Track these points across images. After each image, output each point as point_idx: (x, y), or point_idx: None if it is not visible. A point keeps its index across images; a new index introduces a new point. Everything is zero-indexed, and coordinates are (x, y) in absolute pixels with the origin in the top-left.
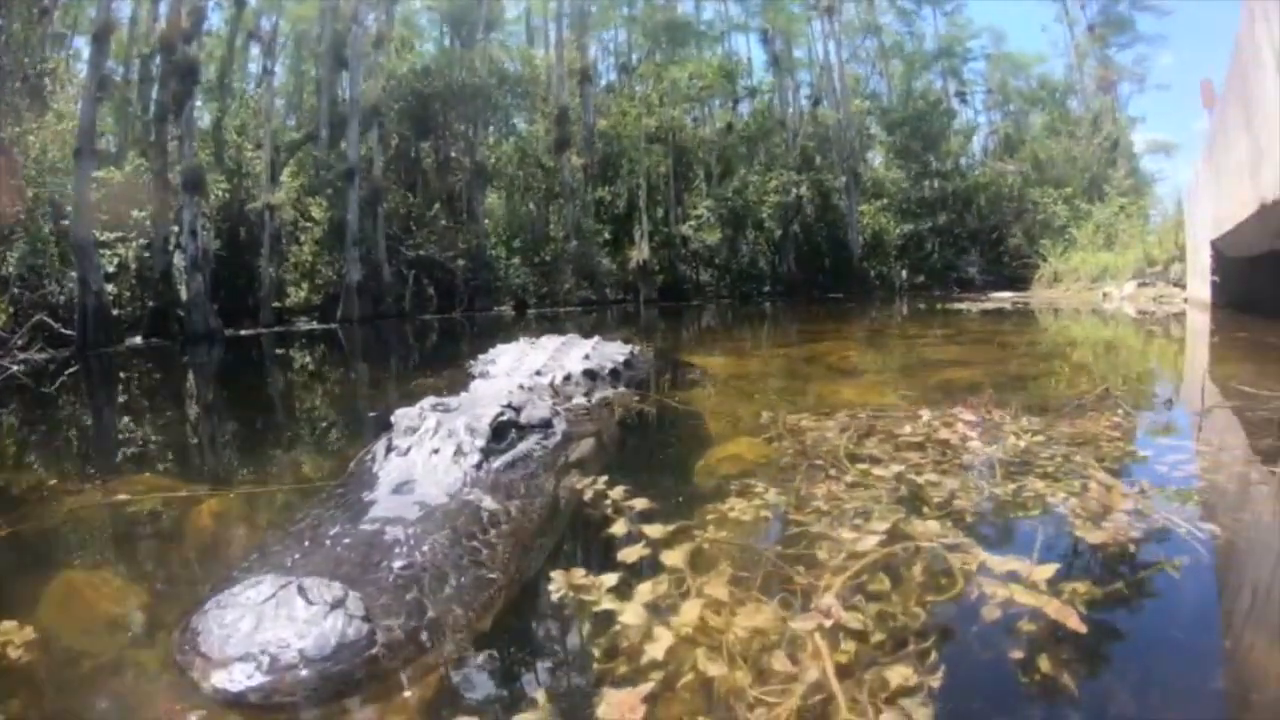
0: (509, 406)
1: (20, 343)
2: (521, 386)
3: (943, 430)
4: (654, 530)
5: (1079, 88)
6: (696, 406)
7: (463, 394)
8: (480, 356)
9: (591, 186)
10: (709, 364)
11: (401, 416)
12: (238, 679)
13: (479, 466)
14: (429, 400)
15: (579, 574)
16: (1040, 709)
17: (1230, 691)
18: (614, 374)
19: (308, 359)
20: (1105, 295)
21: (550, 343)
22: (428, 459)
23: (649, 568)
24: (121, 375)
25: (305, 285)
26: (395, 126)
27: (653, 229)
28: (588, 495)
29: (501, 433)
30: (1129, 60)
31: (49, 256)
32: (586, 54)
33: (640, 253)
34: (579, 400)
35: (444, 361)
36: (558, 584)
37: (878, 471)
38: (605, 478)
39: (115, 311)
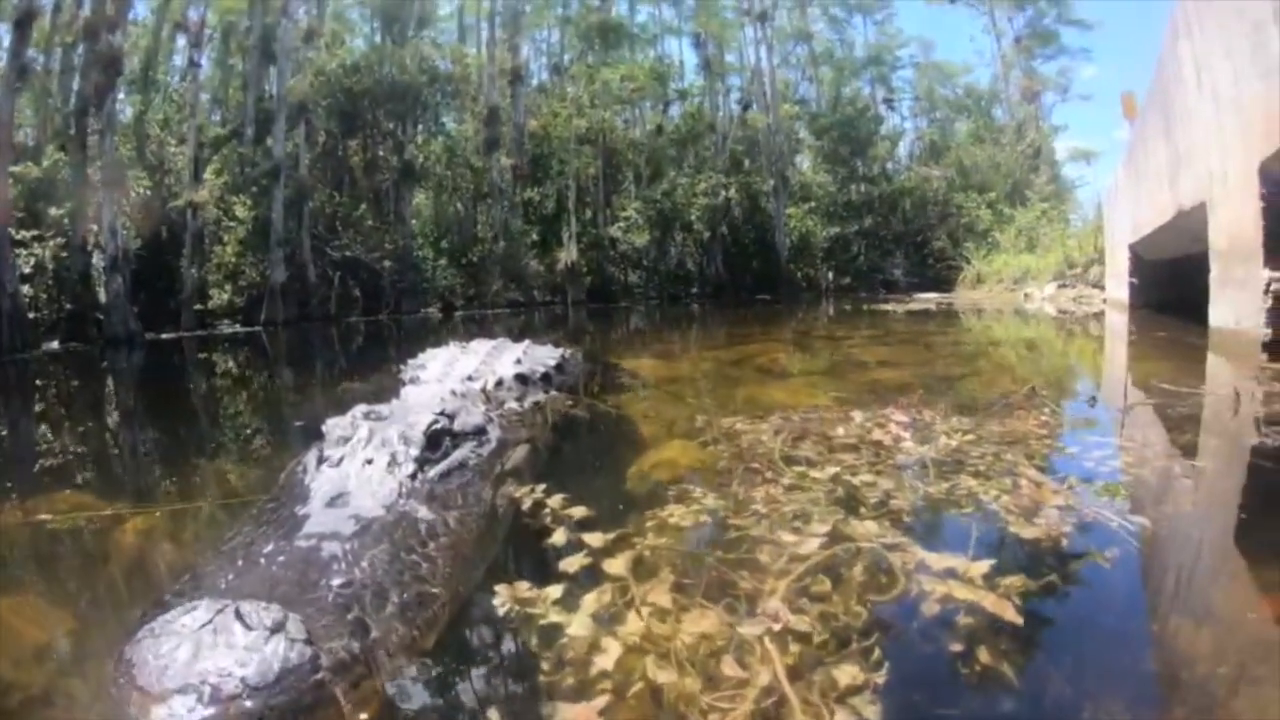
0: (443, 414)
1: None
2: (454, 393)
3: (876, 431)
4: (594, 539)
5: (1004, 97)
6: (628, 410)
7: (394, 401)
8: (410, 361)
9: (520, 187)
10: (639, 367)
11: (333, 426)
12: (178, 713)
13: (414, 477)
14: (360, 408)
15: (523, 587)
16: (981, 698)
17: (1160, 673)
18: (546, 378)
19: (231, 364)
20: (1027, 296)
21: (481, 347)
22: (361, 470)
23: (590, 577)
24: (38, 382)
25: (228, 287)
26: (323, 124)
27: (581, 230)
28: (526, 504)
29: (436, 441)
30: (1053, 71)
31: None
32: (519, 54)
33: (569, 254)
34: (511, 405)
35: (371, 366)
36: (503, 598)
37: (814, 474)
38: (543, 486)
39: (31, 314)
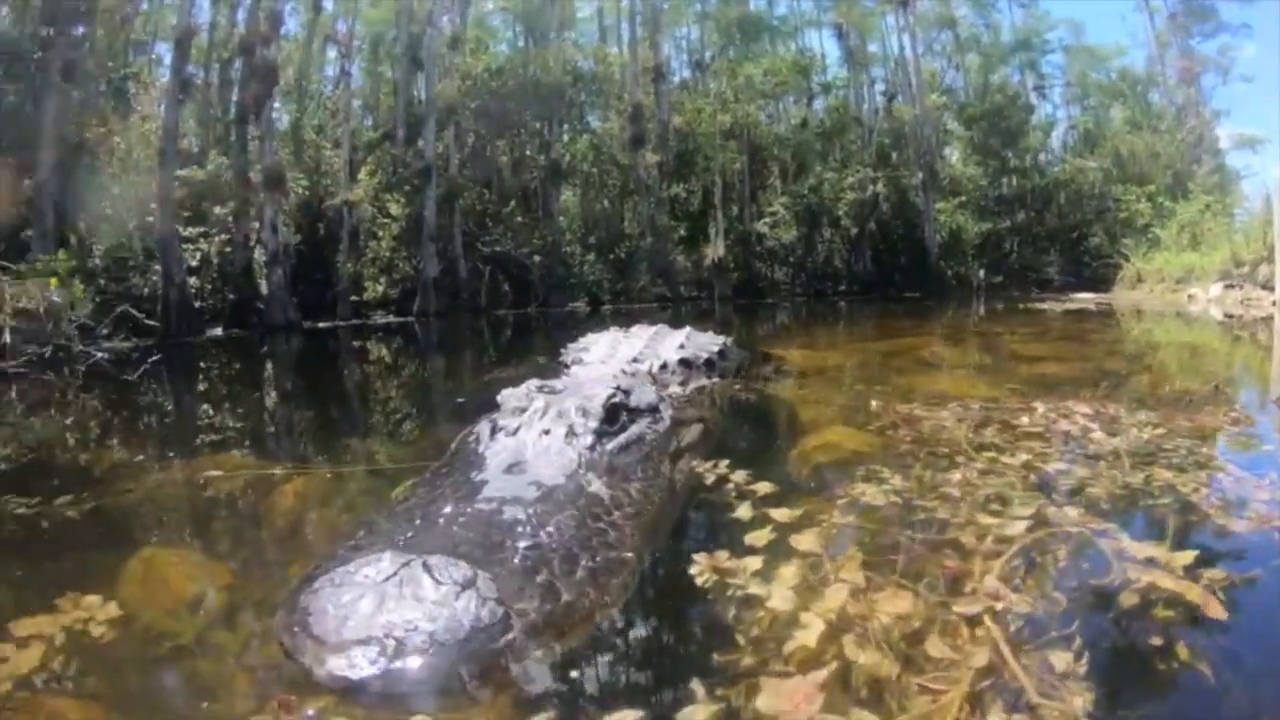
0: (619, 389)
1: (105, 332)
2: (624, 372)
3: (1061, 422)
4: (781, 514)
5: (1160, 80)
6: (788, 397)
7: (564, 377)
8: (570, 345)
9: (666, 183)
10: (798, 356)
11: (508, 397)
12: (359, 665)
13: (592, 448)
14: (533, 382)
15: (722, 557)
16: (1177, 696)
17: None
18: (708, 364)
19: (384, 351)
20: (1190, 298)
21: (643, 332)
22: (538, 439)
23: (777, 552)
24: (202, 364)
25: (383, 280)
26: (471, 125)
27: (728, 226)
28: (709, 479)
29: (614, 415)
30: (1212, 51)
31: (133, 250)
32: (660, 51)
33: (715, 250)
34: (674, 389)
35: (519, 355)
36: (701, 567)
37: (1005, 459)
38: (726, 461)
39: (197, 304)
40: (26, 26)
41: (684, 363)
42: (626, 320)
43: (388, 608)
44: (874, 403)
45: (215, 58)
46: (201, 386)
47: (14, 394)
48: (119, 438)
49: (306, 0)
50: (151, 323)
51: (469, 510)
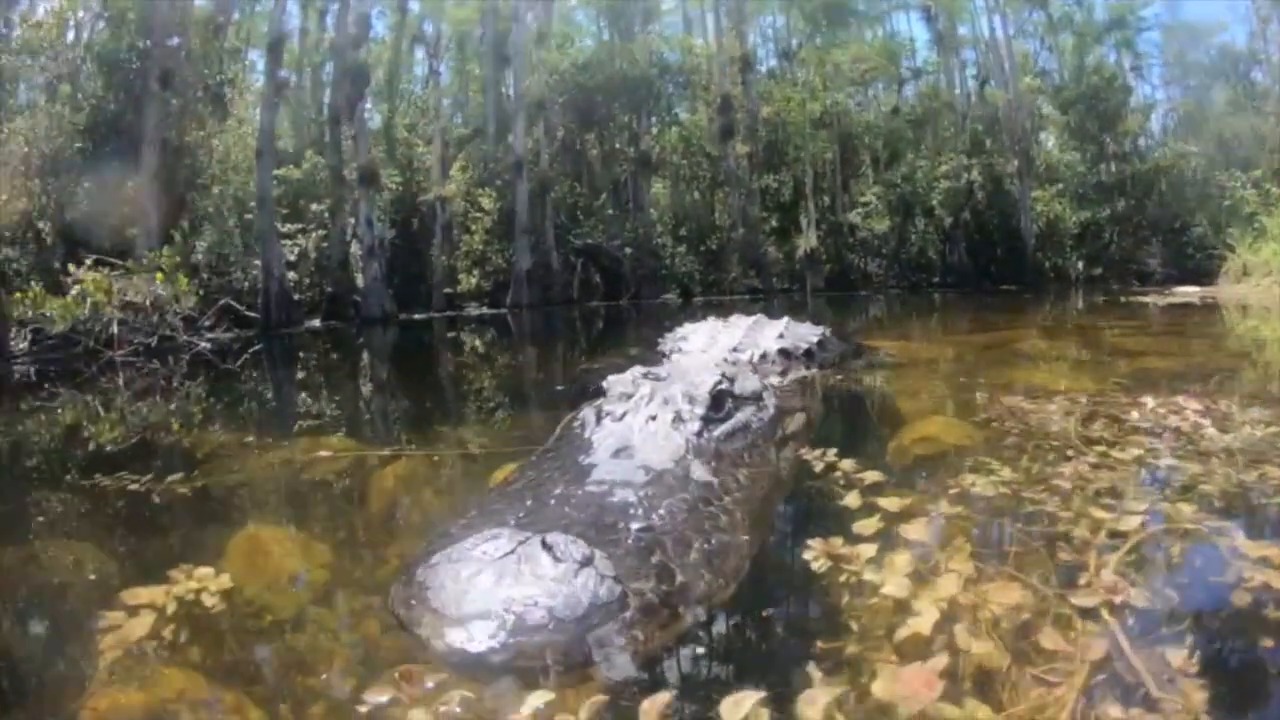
0: (724, 376)
1: (208, 323)
2: (726, 360)
3: (1171, 418)
4: (889, 503)
5: (1263, 58)
6: (886, 388)
7: (667, 365)
8: (668, 335)
9: (757, 174)
10: (897, 348)
11: (614, 383)
12: (478, 638)
13: (699, 434)
14: (638, 369)
15: (837, 543)
16: None
17: None
18: (808, 354)
19: (477, 341)
20: None
21: (741, 322)
22: (645, 425)
23: (886, 540)
24: (301, 353)
25: (476, 272)
26: (560, 119)
27: (819, 217)
28: (817, 467)
29: (719, 401)
30: None
31: (234, 246)
32: (746, 40)
33: (807, 241)
34: (774, 379)
35: (611, 346)
36: (816, 552)
37: (1115, 454)
38: (834, 450)
39: (296, 296)
40: (124, 39)
41: (783, 353)
42: (718, 312)
43: (506, 583)
44: (979, 394)
45: (307, 62)
46: (300, 374)
47: (121, 381)
48: (223, 421)
49: (393, 2)
50: (252, 314)
51: (579, 492)
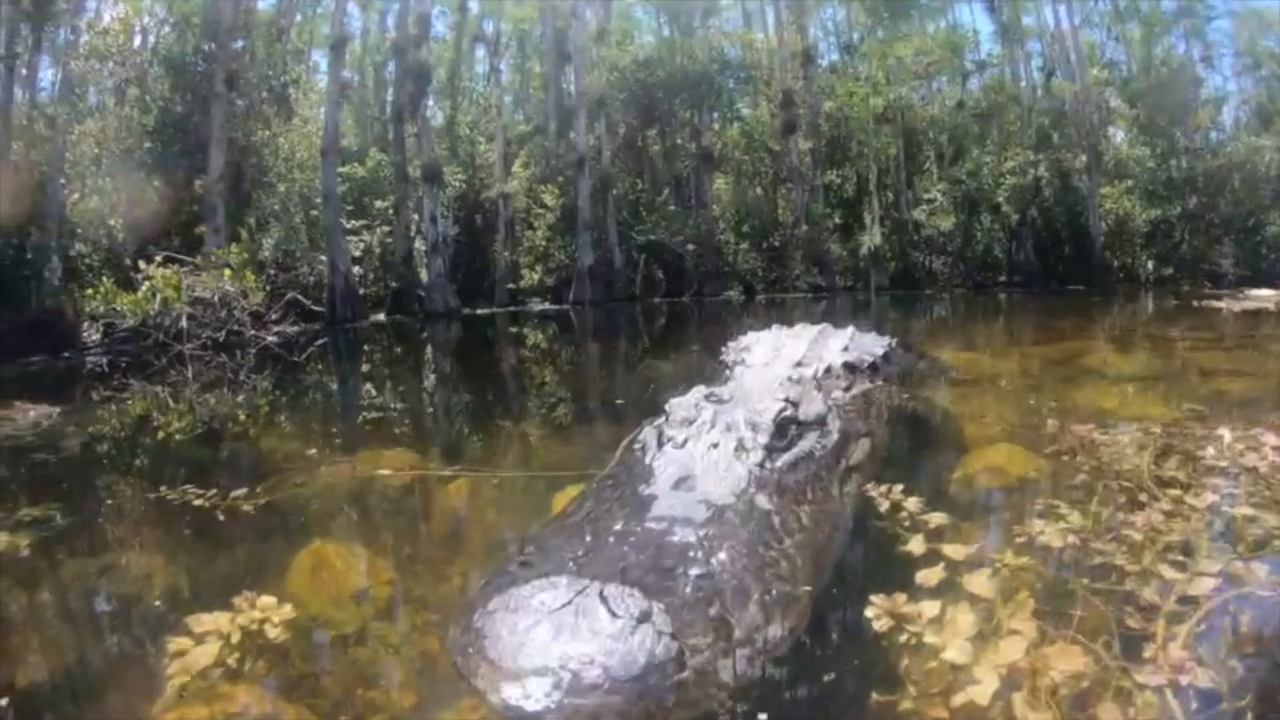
0: (788, 401)
1: (275, 317)
2: (790, 379)
3: (1249, 455)
4: (954, 550)
5: None
6: (952, 407)
7: (730, 384)
8: (731, 344)
9: (819, 170)
10: (964, 360)
11: (676, 406)
12: (535, 696)
13: (762, 465)
14: (700, 389)
15: (900, 600)
16: None
17: None
18: (873, 368)
19: (540, 337)
20: None
21: (806, 332)
22: (706, 453)
23: (949, 592)
24: (365, 347)
25: (539, 268)
26: (621, 116)
27: (883, 214)
28: (883, 505)
29: (783, 429)
30: None
31: (300, 243)
32: (806, 35)
33: (871, 238)
34: (838, 394)
35: (674, 345)
36: (877, 610)
37: (1190, 500)
38: (900, 486)
39: (361, 291)
40: (190, 43)
41: (848, 366)
42: (780, 309)
43: (563, 638)
44: (1050, 422)
45: (369, 62)
46: (365, 368)
47: (190, 373)
48: (286, 421)
49: (454, 2)
50: (318, 309)
51: (639, 530)
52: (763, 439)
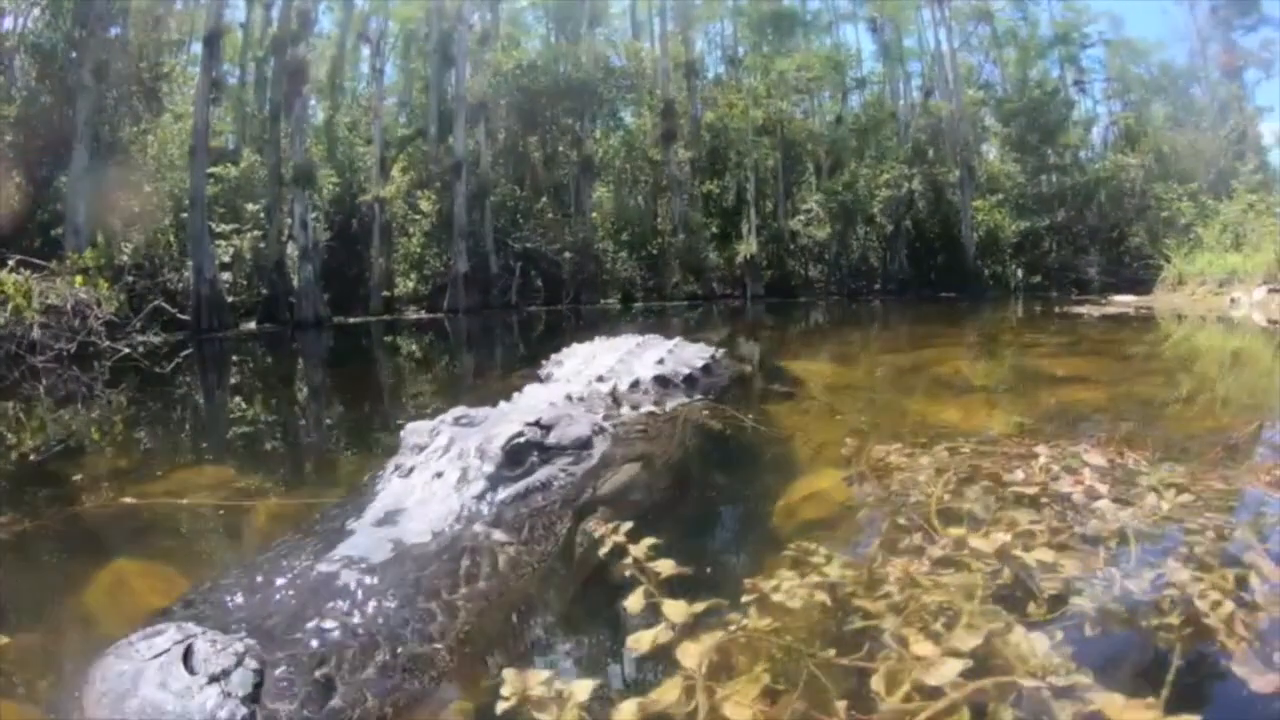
0: (536, 424)
1: (138, 326)
2: (569, 397)
3: (1064, 479)
4: (675, 609)
5: (1202, 75)
6: (783, 425)
7: (502, 403)
8: (553, 356)
9: (699, 180)
10: (810, 370)
11: (411, 431)
12: None
13: (480, 497)
14: (455, 411)
15: (537, 678)
16: None
17: None
18: (689, 380)
19: (413, 347)
20: (1233, 301)
21: (625, 343)
22: (428, 484)
23: (666, 660)
24: (227, 360)
25: (414, 275)
26: (503, 121)
27: (761, 223)
28: (604, 549)
29: (517, 456)
30: (1255, 45)
31: (166, 246)
32: (692, 47)
33: (748, 247)
34: (647, 409)
35: (547, 353)
36: (510, 689)
37: (975, 541)
38: (628, 525)
39: (231, 298)
40: (59, 29)
41: (660, 380)
42: (657, 318)
43: (140, 689)
44: (847, 441)
45: (251, 56)
46: (215, 386)
47: (42, 389)
48: (117, 441)
49: None
50: (184, 317)
51: (313, 572)
52: (488, 468)
